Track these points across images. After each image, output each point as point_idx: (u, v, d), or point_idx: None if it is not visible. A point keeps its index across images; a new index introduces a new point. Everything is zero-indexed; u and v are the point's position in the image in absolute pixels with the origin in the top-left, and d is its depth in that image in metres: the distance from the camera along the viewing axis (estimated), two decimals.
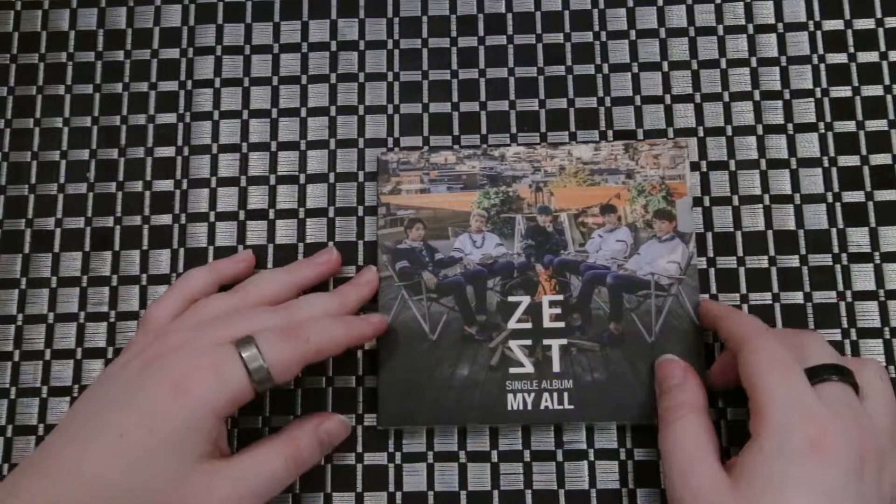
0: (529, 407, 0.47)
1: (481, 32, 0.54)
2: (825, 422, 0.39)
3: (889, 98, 0.51)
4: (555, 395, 0.47)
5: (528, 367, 0.47)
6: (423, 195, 0.50)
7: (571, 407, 0.47)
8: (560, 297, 0.48)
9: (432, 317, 0.49)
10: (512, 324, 0.48)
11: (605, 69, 0.53)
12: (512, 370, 0.47)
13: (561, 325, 0.48)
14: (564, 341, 0.48)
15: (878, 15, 0.52)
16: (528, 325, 0.48)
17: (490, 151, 0.51)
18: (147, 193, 0.52)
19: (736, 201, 0.50)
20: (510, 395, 0.47)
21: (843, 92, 0.51)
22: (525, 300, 0.49)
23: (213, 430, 0.40)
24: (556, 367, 0.47)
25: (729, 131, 0.51)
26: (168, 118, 0.53)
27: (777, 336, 0.43)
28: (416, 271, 0.49)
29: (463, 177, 0.50)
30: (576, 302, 0.48)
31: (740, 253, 0.50)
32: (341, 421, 0.47)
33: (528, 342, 0.48)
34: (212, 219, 0.52)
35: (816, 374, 0.40)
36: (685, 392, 0.44)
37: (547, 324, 0.48)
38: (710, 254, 0.50)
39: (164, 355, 0.41)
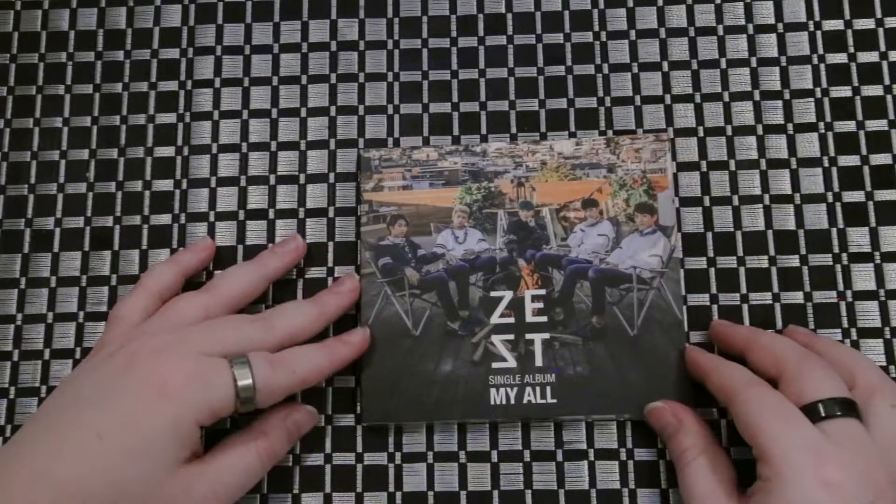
0: (512, 401, 0.47)
1: (481, 32, 0.54)
2: (834, 462, 0.38)
3: (889, 98, 0.51)
4: (537, 389, 0.47)
5: (511, 362, 0.48)
6: (405, 192, 0.50)
7: (554, 401, 0.47)
8: (542, 292, 0.49)
9: (415, 312, 0.49)
10: (494, 319, 0.48)
11: (605, 69, 0.53)
12: (494, 365, 0.48)
13: (543, 319, 0.48)
14: (547, 335, 0.48)
15: (878, 15, 0.52)
16: (511, 320, 0.48)
17: (472, 147, 0.51)
18: (147, 193, 0.52)
19: (736, 201, 0.50)
20: (493, 390, 0.47)
21: (843, 92, 0.51)
22: (507, 295, 0.49)
23: (193, 436, 0.40)
24: (538, 362, 0.47)
25: (729, 131, 0.51)
26: (168, 118, 0.53)
27: (766, 385, 0.42)
28: (399, 267, 0.49)
29: (445, 173, 0.50)
30: (558, 296, 0.48)
31: (740, 253, 0.50)
32: (308, 411, 0.47)
33: (511, 337, 0.48)
34: (211, 218, 0.52)
35: (821, 411, 0.40)
36: (688, 436, 0.44)
37: (529, 318, 0.48)
38: (711, 254, 0.50)
39: (145, 357, 0.41)
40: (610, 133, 0.52)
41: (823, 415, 0.40)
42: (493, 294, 0.49)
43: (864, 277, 0.49)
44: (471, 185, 0.50)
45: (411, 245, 0.50)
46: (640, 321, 0.48)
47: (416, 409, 0.47)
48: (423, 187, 0.50)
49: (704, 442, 0.44)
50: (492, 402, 0.47)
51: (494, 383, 0.47)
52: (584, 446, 0.48)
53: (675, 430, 0.45)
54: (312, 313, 0.46)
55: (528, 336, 0.48)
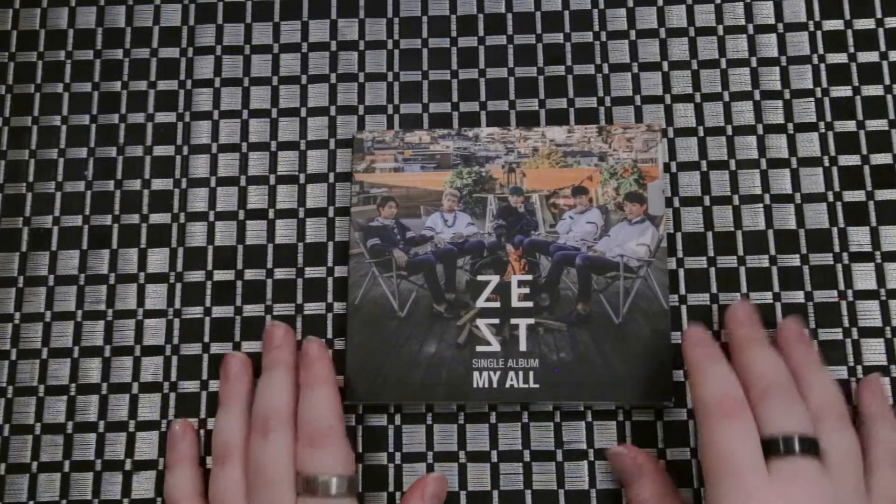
0: (495, 385, 0.47)
1: (481, 32, 0.54)
2: None
3: (889, 98, 0.51)
4: (520, 373, 0.47)
5: (495, 346, 0.48)
6: (396, 174, 0.50)
7: (537, 386, 0.47)
8: (529, 278, 0.49)
9: (402, 294, 0.49)
10: (480, 302, 0.48)
11: (605, 69, 0.53)
12: (479, 348, 0.48)
13: (529, 304, 0.48)
14: (532, 321, 0.48)
15: (878, 15, 0.52)
16: (497, 304, 0.48)
17: (464, 132, 0.51)
18: (146, 192, 0.52)
19: (736, 201, 0.50)
20: (476, 373, 0.47)
21: (843, 92, 0.51)
22: (494, 279, 0.49)
23: None
24: (522, 347, 0.48)
25: (729, 131, 0.51)
26: (167, 117, 0.53)
27: (734, 416, 0.41)
28: (387, 249, 0.49)
29: (437, 156, 0.51)
30: (544, 282, 0.49)
31: (740, 252, 0.50)
32: (437, 479, 0.47)
33: (496, 321, 0.48)
34: (211, 218, 0.51)
35: (780, 447, 0.39)
36: (646, 486, 0.45)
37: (515, 303, 0.48)
38: (711, 253, 0.50)
39: None
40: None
41: (782, 451, 0.39)
42: (479, 278, 0.49)
43: (864, 277, 0.49)
44: (462, 170, 0.50)
45: (400, 227, 0.50)
46: (625, 309, 0.48)
47: (399, 390, 0.47)
48: (415, 170, 0.51)
49: (663, 492, 0.44)
50: (475, 386, 0.47)
51: (478, 367, 0.47)
52: (584, 446, 0.48)
53: (634, 478, 0.45)
54: (290, 385, 0.46)
55: (514, 321, 0.48)
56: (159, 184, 0.52)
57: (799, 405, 0.41)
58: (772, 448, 0.39)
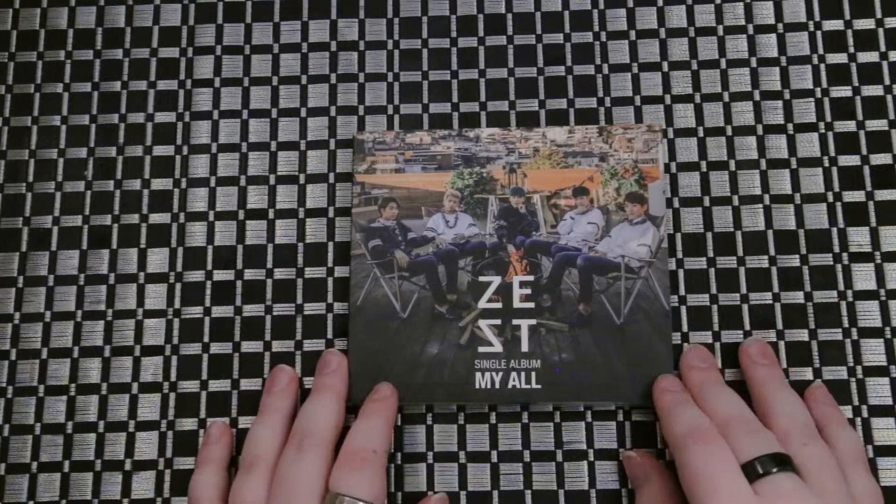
0: (497, 386, 0.47)
1: (481, 32, 0.54)
2: None
3: (889, 98, 0.51)
4: (522, 374, 0.47)
5: (497, 347, 0.48)
6: (397, 175, 0.50)
7: (539, 387, 0.47)
8: (530, 278, 0.49)
9: (403, 295, 0.49)
10: (482, 303, 0.49)
11: (605, 69, 0.53)
12: (481, 349, 0.48)
13: (531, 305, 0.48)
14: (534, 321, 0.48)
15: (878, 15, 0.52)
16: (499, 305, 0.48)
17: (465, 133, 0.51)
18: (145, 192, 0.52)
19: (736, 201, 0.50)
20: (478, 374, 0.47)
21: (843, 92, 0.51)
22: (496, 280, 0.49)
23: None
24: (524, 347, 0.48)
25: (729, 131, 0.51)
26: (167, 117, 0.53)
27: (705, 441, 0.41)
28: (389, 250, 0.49)
29: (437, 157, 0.51)
30: (546, 283, 0.49)
31: (740, 253, 0.50)
32: (439, 499, 0.47)
33: (498, 322, 0.48)
34: (211, 218, 0.51)
35: (757, 469, 0.40)
36: (651, 490, 0.45)
37: (517, 304, 0.48)
38: (710, 254, 0.50)
39: None
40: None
41: (761, 472, 0.40)
42: (481, 279, 0.49)
43: (864, 277, 0.49)
44: (463, 170, 0.50)
45: (402, 228, 0.50)
46: (626, 310, 0.48)
47: (402, 391, 0.47)
48: (416, 171, 0.51)
49: (668, 496, 0.44)
50: (477, 386, 0.47)
51: (480, 367, 0.47)
52: (584, 446, 0.48)
53: (642, 483, 0.46)
54: (335, 410, 0.46)
55: (515, 322, 0.48)
56: (159, 184, 0.52)
57: (763, 431, 0.42)
58: (749, 472, 0.40)
